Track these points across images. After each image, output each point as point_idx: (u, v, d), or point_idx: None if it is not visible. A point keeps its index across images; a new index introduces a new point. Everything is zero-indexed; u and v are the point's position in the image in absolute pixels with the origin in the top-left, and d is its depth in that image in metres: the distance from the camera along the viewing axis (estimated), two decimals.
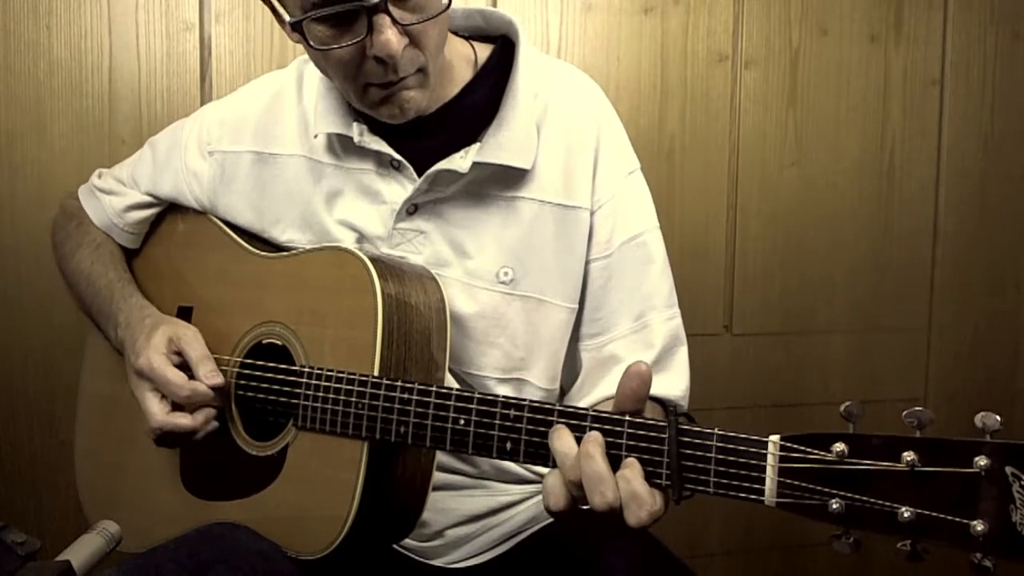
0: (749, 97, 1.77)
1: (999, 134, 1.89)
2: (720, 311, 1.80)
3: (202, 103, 1.54)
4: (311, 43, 0.91)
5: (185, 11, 1.55)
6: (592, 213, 1.03)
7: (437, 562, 1.05)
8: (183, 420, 0.97)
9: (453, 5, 0.93)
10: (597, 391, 1.03)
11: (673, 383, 1.04)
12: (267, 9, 0.96)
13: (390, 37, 0.87)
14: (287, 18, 0.91)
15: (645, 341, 1.03)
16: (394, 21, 0.88)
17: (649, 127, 1.72)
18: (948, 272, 1.90)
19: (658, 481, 0.75)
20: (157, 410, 0.97)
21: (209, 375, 0.97)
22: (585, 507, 0.76)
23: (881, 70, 1.83)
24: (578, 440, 0.77)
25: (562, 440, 0.77)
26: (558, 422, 0.79)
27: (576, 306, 1.04)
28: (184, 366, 0.98)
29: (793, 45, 1.78)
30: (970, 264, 1.91)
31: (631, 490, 0.73)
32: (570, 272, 1.03)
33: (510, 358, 1.02)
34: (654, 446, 0.75)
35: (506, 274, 1.01)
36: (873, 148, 1.84)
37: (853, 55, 1.81)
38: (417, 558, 1.05)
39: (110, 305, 1.09)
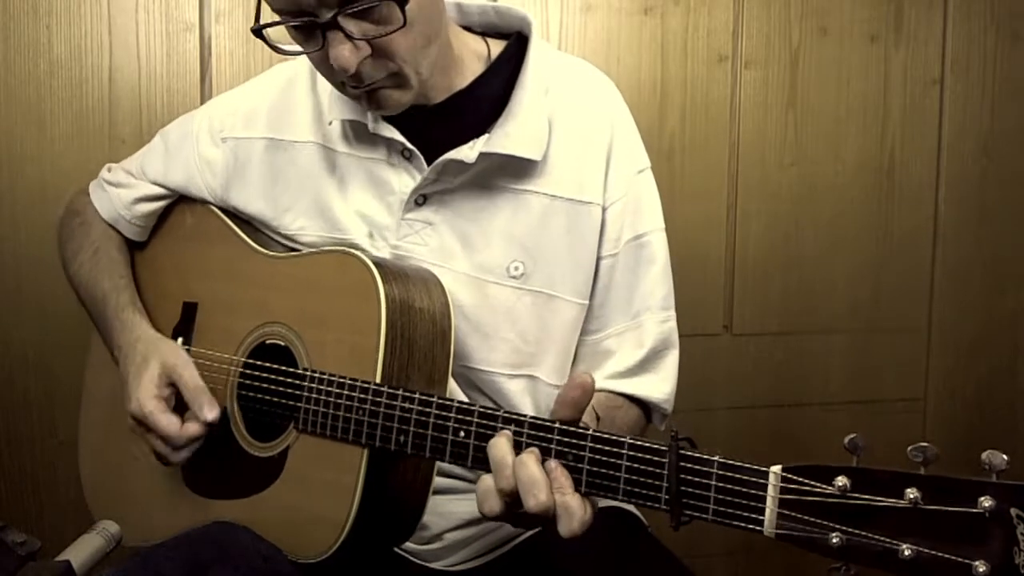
0: (749, 97, 1.77)
1: (999, 134, 1.88)
2: (720, 311, 1.80)
3: (202, 103, 1.54)
4: (274, 46, 0.91)
5: (185, 11, 1.55)
6: (604, 209, 1.03)
7: (437, 565, 1.04)
8: (193, 428, 0.97)
9: (463, 3, 0.92)
10: None
11: (657, 385, 1.04)
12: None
13: (342, 52, 0.86)
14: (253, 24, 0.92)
15: (637, 340, 1.04)
16: (348, 35, 0.86)
17: (649, 127, 1.72)
18: (948, 272, 1.89)
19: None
20: (167, 451, 0.98)
21: (204, 410, 0.97)
22: (519, 511, 0.77)
23: (881, 70, 1.82)
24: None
25: (498, 448, 0.78)
26: (556, 437, 0.78)
27: (587, 302, 1.04)
28: (179, 396, 0.99)
29: (793, 45, 1.78)
30: (970, 264, 1.90)
31: (564, 502, 0.74)
32: (582, 268, 1.02)
33: (519, 353, 1.02)
34: (654, 470, 0.74)
35: (516, 268, 1.01)
36: (873, 148, 1.83)
37: (853, 55, 1.81)
38: (417, 561, 1.04)
39: (105, 320, 1.09)
